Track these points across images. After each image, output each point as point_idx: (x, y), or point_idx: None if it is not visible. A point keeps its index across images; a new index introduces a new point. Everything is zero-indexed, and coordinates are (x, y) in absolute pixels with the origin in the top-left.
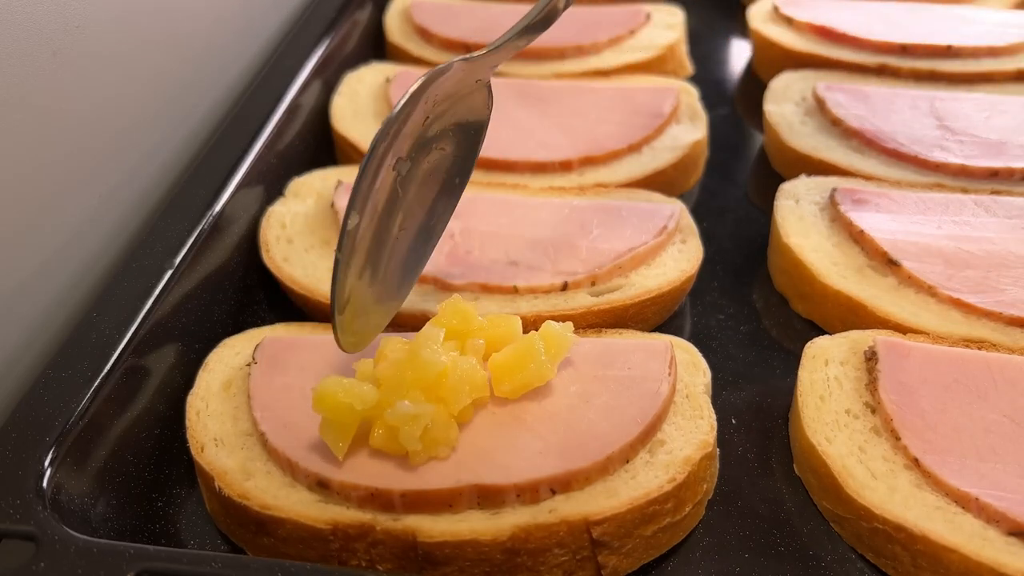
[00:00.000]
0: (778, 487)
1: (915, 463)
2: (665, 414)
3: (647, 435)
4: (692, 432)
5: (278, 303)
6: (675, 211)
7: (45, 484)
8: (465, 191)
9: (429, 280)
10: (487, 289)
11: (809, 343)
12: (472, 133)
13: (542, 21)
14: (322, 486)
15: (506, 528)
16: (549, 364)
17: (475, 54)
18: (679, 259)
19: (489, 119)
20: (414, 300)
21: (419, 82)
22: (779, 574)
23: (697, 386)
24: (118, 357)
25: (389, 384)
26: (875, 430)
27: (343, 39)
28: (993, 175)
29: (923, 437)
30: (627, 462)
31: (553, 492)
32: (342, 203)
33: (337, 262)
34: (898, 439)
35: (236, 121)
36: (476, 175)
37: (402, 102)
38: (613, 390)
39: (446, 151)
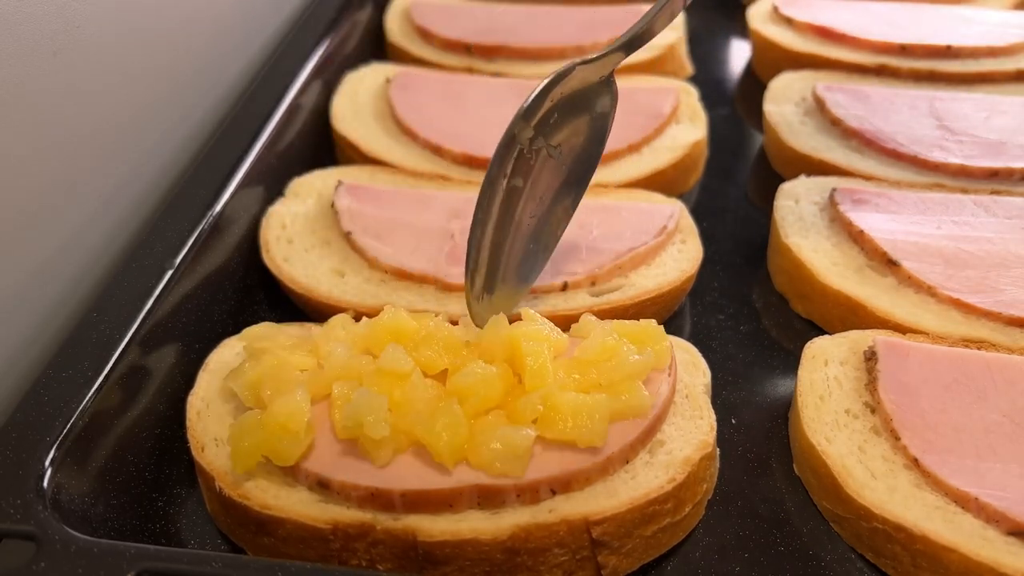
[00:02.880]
0: (778, 487)
1: (915, 463)
2: (665, 414)
3: (647, 435)
4: (692, 432)
5: (278, 303)
6: (675, 211)
7: (45, 484)
8: (465, 191)
9: (430, 280)
10: None
11: (809, 343)
12: (597, 127)
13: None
14: (322, 486)
15: (506, 528)
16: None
17: (592, 56)
18: (679, 259)
19: (613, 115)
20: (413, 300)
21: (545, 82)
22: (779, 574)
23: (697, 386)
24: (118, 357)
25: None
26: (875, 430)
27: (343, 39)
28: (993, 175)
29: (923, 437)
30: (627, 462)
31: (553, 492)
32: (342, 203)
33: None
34: (898, 439)
35: (236, 121)
36: (476, 175)
37: (531, 98)
38: None
39: (572, 144)
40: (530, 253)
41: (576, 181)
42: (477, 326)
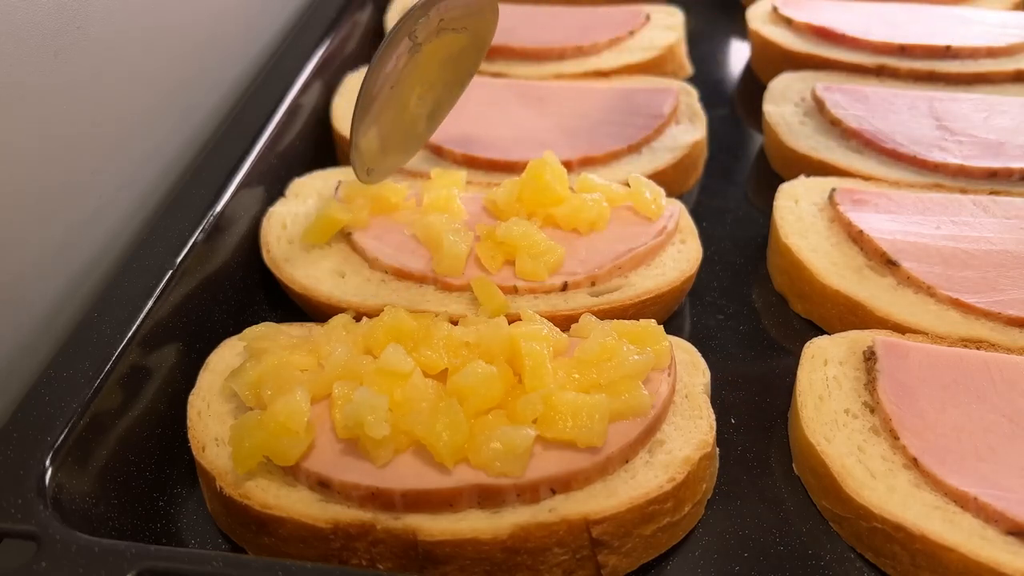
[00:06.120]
0: (777, 487)
1: (914, 462)
2: (664, 414)
3: (646, 435)
4: (691, 432)
5: (278, 303)
6: (674, 211)
7: (47, 484)
8: (464, 191)
9: (430, 280)
10: None
11: (808, 343)
12: (483, 32)
13: None
14: (323, 486)
15: (506, 527)
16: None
17: None
18: (678, 259)
19: (496, 22)
20: (413, 300)
21: None
22: (779, 574)
23: (696, 386)
24: (119, 357)
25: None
26: (874, 430)
27: (343, 40)
28: (992, 175)
29: (922, 437)
30: (626, 462)
31: (553, 492)
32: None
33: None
34: (897, 439)
35: (237, 122)
36: (476, 176)
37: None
38: None
39: (460, 44)
40: (412, 132)
41: (458, 81)
42: (358, 175)
